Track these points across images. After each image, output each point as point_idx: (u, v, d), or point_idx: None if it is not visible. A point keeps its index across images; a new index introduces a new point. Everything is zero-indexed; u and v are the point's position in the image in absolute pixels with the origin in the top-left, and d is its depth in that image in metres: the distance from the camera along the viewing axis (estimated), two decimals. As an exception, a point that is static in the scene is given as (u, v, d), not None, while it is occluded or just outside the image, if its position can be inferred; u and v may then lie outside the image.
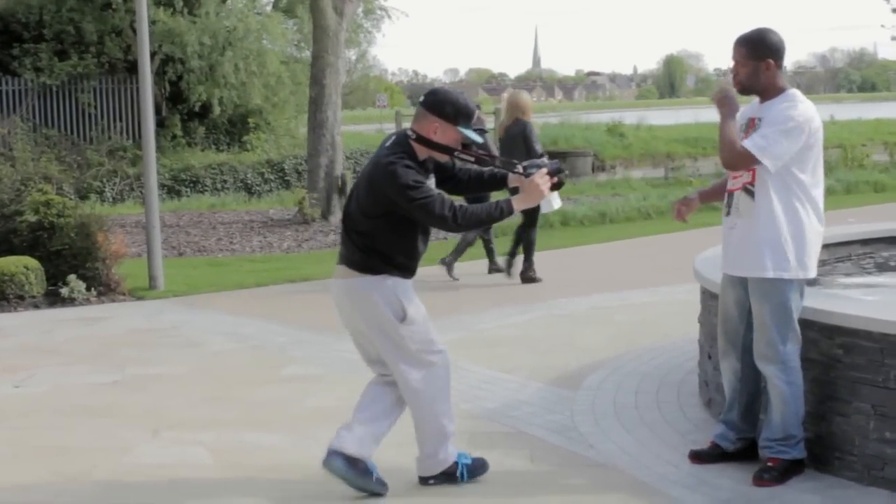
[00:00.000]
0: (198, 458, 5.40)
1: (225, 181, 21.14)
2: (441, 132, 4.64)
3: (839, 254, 7.07)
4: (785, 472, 4.81)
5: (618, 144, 35.57)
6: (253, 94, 23.13)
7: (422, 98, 4.76)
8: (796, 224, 4.74)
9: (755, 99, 4.94)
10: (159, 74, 21.60)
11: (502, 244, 11.36)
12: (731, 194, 4.93)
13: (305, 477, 5.08)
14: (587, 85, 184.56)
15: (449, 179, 4.89)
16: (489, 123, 19.24)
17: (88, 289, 9.91)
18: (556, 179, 4.69)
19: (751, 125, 4.84)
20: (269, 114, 24.36)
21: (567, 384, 6.61)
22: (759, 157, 4.67)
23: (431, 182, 4.73)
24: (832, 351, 4.83)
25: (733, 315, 5.02)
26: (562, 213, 15.01)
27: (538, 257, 10.70)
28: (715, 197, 5.28)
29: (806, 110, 4.74)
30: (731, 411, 5.12)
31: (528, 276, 10.54)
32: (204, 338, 8.34)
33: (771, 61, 4.78)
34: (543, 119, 44.24)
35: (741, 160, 4.74)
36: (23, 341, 8.31)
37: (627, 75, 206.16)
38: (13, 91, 21.11)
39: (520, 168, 4.75)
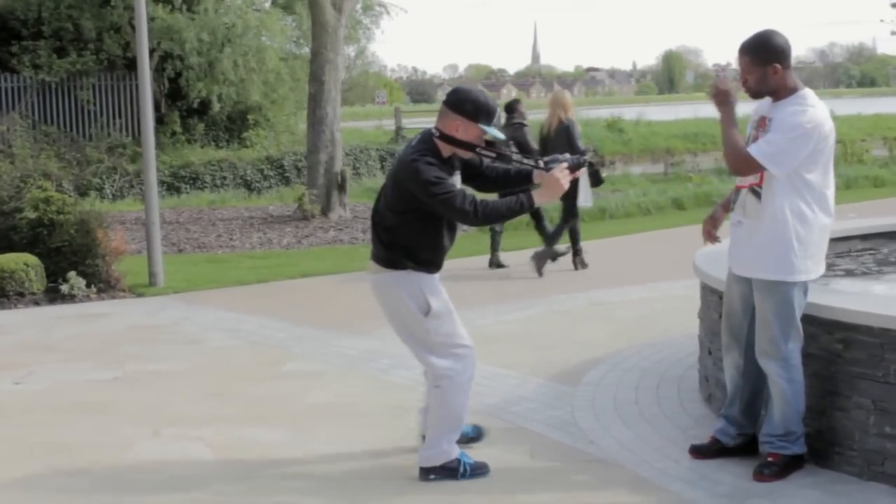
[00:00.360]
0: (198, 454, 5.40)
1: (224, 178, 21.12)
2: (463, 129, 4.74)
3: (839, 249, 7.07)
4: (785, 467, 4.82)
5: (617, 140, 35.61)
6: (252, 90, 23.11)
7: (445, 97, 4.91)
8: (802, 226, 4.72)
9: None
10: (158, 71, 21.58)
11: (520, 240, 11.38)
12: (738, 191, 4.93)
13: (305, 472, 5.09)
14: (586, 81, 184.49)
15: (477, 177, 5.03)
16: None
17: (88, 286, 9.92)
18: (577, 173, 4.81)
19: (761, 124, 4.81)
20: (268, 110, 24.33)
21: (567, 380, 6.61)
22: (766, 164, 4.65)
23: (457, 178, 4.86)
24: (832, 346, 4.83)
25: (737, 310, 5.02)
26: (561, 210, 14.98)
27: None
28: None
29: (815, 115, 4.69)
30: (732, 406, 5.12)
31: (539, 262, 10.65)
32: (204, 334, 8.34)
33: (777, 65, 4.72)
34: (542, 115, 44.14)
35: (747, 166, 4.72)
36: (23, 338, 8.31)
37: (626, 71, 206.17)
38: (12, 88, 21.09)
39: (541, 163, 4.87)
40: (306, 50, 22.96)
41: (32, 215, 10.18)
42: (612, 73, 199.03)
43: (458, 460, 4.93)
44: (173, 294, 10.15)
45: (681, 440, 5.36)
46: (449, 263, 5.12)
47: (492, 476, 4.96)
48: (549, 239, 10.80)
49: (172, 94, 22.59)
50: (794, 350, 4.79)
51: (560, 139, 10.63)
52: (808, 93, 4.78)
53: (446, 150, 4.79)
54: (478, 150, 4.81)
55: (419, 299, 4.81)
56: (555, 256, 10.79)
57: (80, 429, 5.90)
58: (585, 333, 7.94)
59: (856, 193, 17.42)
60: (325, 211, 15.91)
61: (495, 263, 11.20)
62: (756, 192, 4.77)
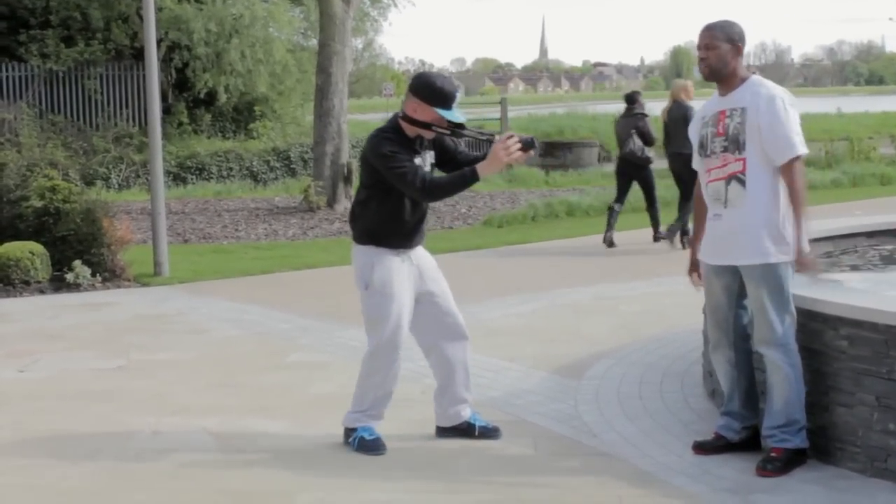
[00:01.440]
0: (201, 444, 5.41)
1: (231, 169, 21.11)
2: (420, 111, 5.05)
3: (844, 246, 7.06)
4: (788, 462, 4.81)
5: (624, 135, 35.42)
6: (259, 81, 23.08)
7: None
8: (784, 204, 4.80)
9: (714, 94, 5.02)
10: (165, 61, 21.55)
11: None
12: (709, 184, 4.95)
13: (308, 462, 5.10)
14: (594, 75, 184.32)
15: (450, 162, 5.29)
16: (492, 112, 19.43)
17: (93, 274, 9.93)
18: (532, 152, 4.96)
19: (721, 116, 4.90)
20: (275, 102, 24.30)
21: (571, 373, 6.61)
22: (803, 149, 4.77)
23: (428, 157, 5.16)
24: (836, 342, 4.83)
25: (722, 302, 5.03)
26: (567, 204, 15.05)
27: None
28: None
29: (781, 89, 4.89)
30: (731, 402, 5.12)
31: (670, 235, 11.53)
32: (208, 324, 8.36)
33: (740, 45, 4.91)
34: (550, 109, 44.15)
35: (800, 168, 4.81)
36: (28, 326, 8.33)
37: (634, 66, 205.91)
38: (19, 77, 21.09)
39: (495, 137, 5.08)
40: (314, 42, 22.93)
41: (38, 204, 10.20)
42: (620, 69, 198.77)
43: (355, 430, 5.25)
44: (178, 284, 10.17)
45: (684, 435, 5.36)
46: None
47: (494, 468, 4.97)
48: (681, 216, 11.49)
49: (179, 84, 22.58)
50: (791, 332, 4.84)
51: (678, 123, 10.93)
52: (760, 76, 4.96)
53: (410, 129, 5.09)
54: (433, 128, 5.08)
55: (365, 272, 5.12)
56: (685, 229, 11.32)
57: (83, 417, 5.91)
58: (589, 327, 7.94)
59: (862, 191, 17.36)
60: (331, 203, 15.91)
61: (608, 241, 11.67)
62: (741, 179, 4.80)
